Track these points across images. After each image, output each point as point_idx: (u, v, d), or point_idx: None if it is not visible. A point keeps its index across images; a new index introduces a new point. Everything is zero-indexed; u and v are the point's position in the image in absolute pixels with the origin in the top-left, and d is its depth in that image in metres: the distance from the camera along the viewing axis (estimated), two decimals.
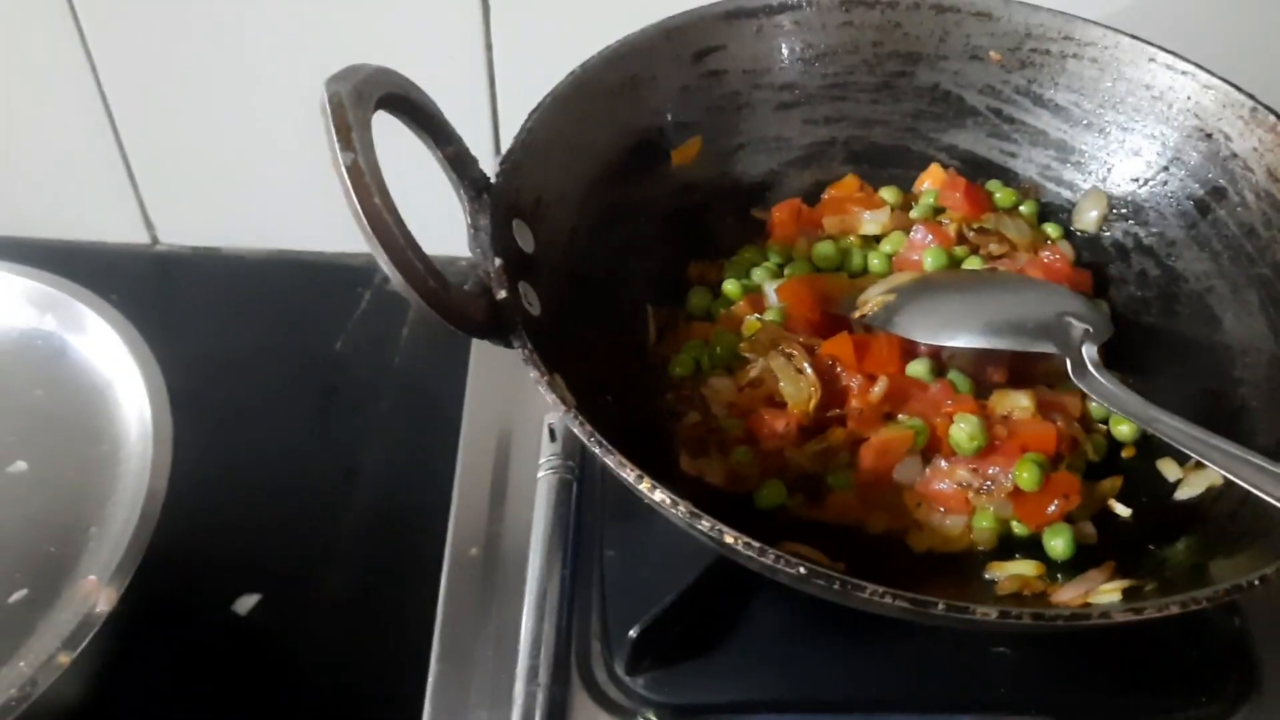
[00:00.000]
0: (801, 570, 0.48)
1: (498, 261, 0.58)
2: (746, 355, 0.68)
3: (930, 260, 0.73)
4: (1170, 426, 0.58)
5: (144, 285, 1.05)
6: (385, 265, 0.52)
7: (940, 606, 0.47)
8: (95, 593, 0.64)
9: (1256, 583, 0.49)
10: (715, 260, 0.77)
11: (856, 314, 0.69)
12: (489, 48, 0.93)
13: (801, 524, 0.64)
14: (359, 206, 0.51)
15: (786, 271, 0.75)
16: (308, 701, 0.76)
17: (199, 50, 0.94)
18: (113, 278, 0.89)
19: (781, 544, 0.60)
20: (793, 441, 0.65)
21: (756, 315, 0.71)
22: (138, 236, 1.08)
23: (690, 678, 0.64)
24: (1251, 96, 0.70)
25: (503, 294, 0.57)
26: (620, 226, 0.73)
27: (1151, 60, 0.73)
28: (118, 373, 0.76)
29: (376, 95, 0.55)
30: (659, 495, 0.51)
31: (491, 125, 0.97)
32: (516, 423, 0.79)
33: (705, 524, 0.50)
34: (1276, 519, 0.57)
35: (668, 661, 0.65)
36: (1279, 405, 0.64)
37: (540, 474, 0.73)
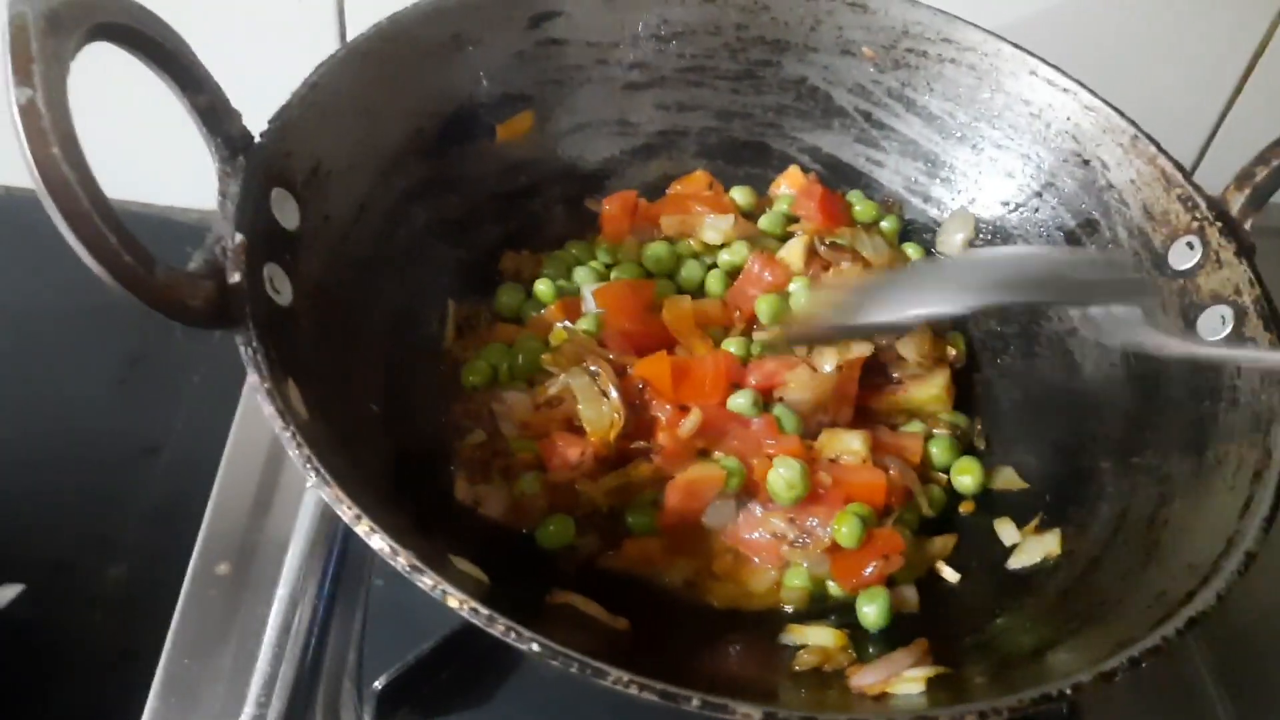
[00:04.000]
0: (535, 648, 0.40)
1: (238, 238, 0.49)
2: (549, 369, 0.60)
3: (764, 309, 0.65)
4: None
5: None
6: (65, 232, 0.42)
7: (695, 701, 0.39)
8: None
9: (1067, 691, 0.42)
10: (535, 253, 0.68)
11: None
12: None
13: (591, 570, 0.56)
14: (30, 156, 0.41)
15: (614, 275, 0.66)
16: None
17: None
18: None
19: (553, 592, 0.52)
20: (588, 473, 0.57)
21: (567, 323, 0.62)
22: None
23: None
24: (1134, 123, 0.63)
25: (236, 277, 0.48)
26: (425, 205, 0.64)
27: (1033, 73, 0.66)
28: None
29: (87, 24, 0.44)
30: (378, 542, 0.42)
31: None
32: None
33: (428, 580, 0.41)
34: (1111, 604, 0.51)
35: (428, 712, 0.56)
36: (1127, 471, 0.58)
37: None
